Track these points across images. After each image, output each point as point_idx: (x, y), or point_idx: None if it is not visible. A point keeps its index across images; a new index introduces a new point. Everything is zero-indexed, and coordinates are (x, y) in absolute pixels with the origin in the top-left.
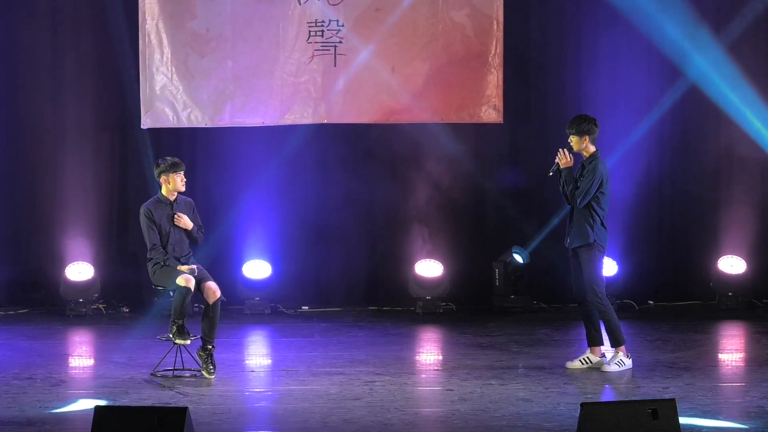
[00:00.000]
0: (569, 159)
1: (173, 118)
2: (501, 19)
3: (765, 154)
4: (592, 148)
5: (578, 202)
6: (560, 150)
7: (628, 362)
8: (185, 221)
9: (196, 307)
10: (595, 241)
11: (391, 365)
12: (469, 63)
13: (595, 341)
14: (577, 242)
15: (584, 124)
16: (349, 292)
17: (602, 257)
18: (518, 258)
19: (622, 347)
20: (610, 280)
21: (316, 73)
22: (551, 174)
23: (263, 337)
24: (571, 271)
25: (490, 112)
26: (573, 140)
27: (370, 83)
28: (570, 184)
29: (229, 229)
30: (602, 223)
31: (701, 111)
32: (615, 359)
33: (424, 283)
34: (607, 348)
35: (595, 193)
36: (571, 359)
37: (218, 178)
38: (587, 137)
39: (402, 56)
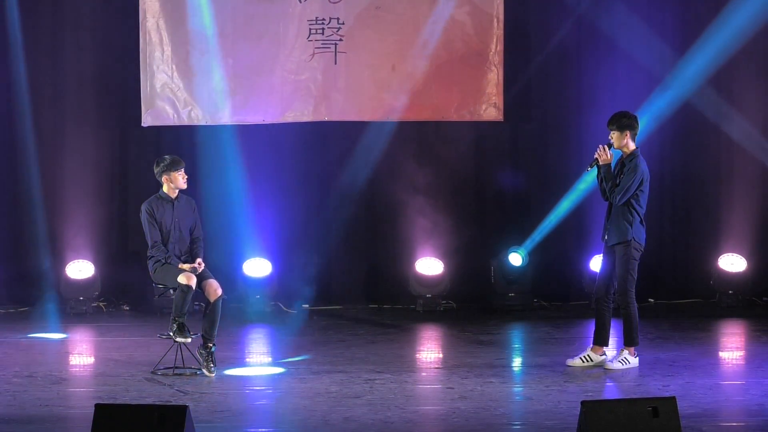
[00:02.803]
0: (609, 155)
1: (174, 116)
2: (501, 16)
3: (765, 153)
4: (632, 145)
5: (617, 199)
6: (600, 146)
7: (634, 361)
8: (195, 265)
9: (196, 305)
10: (633, 238)
11: (391, 363)
12: (469, 61)
13: (600, 341)
14: (615, 239)
15: (625, 120)
16: (349, 290)
17: (638, 255)
18: (514, 260)
19: (632, 348)
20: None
21: (316, 71)
22: (589, 170)
23: (264, 335)
24: (602, 267)
25: (491, 110)
26: (614, 136)
27: (371, 81)
28: (609, 180)
29: (229, 227)
30: (641, 221)
31: (702, 109)
32: (620, 357)
33: (424, 280)
34: (609, 349)
35: (635, 191)
36: (572, 357)
37: (219, 176)
38: (628, 133)
39: (402, 54)
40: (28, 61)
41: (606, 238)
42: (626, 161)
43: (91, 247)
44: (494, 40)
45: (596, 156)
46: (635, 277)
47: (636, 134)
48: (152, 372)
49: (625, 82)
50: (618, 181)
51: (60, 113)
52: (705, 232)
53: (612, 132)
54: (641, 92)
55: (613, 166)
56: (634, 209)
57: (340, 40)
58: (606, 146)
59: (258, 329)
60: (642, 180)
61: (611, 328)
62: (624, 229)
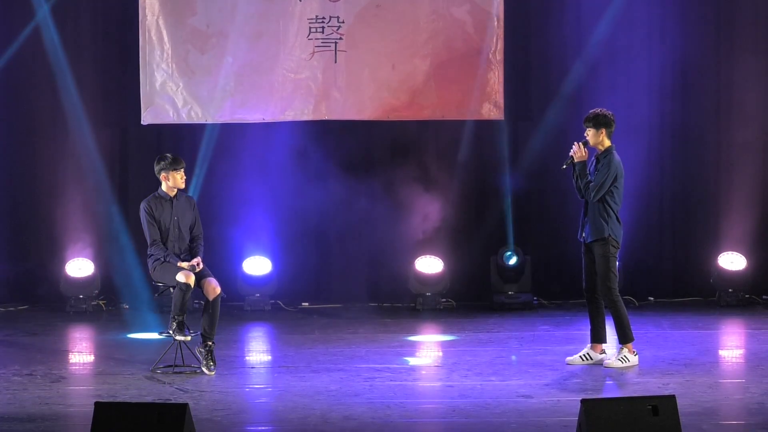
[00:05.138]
0: (584, 153)
1: (173, 115)
2: (501, 15)
3: (765, 150)
4: (607, 143)
5: (592, 195)
6: (575, 143)
7: (634, 359)
8: (193, 263)
9: (196, 303)
10: (609, 235)
11: (391, 362)
12: (469, 59)
13: (598, 338)
14: (592, 236)
15: (602, 118)
16: (349, 289)
17: (616, 252)
18: (510, 260)
19: (630, 344)
20: None
21: (316, 70)
22: (565, 167)
23: (263, 333)
24: (584, 266)
25: (491, 109)
26: (589, 133)
27: (371, 80)
28: (584, 177)
29: (229, 225)
30: (617, 218)
31: (702, 107)
32: (619, 355)
33: (424, 279)
34: (608, 345)
35: (609, 187)
36: (572, 355)
37: (218, 174)
38: (604, 131)
39: (402, 53)
40: (26, 60)
41: (583, 235)
42: (600, 158)
43: (90, 246)
44: (494, 38)
45: (571, 153)
46: (616, 274)
47: (612, 132)
48: (152, 370)
49: (625, 81)
50: (593, 178)
51: (60, 111)
52: (705, 231)
53: (588, 129)
54: (641, 90)
55: (589, 164)
56: (610, 206)
57: (340, 38)
58: (581, 143)
59: (257, 327)
60: (616, 176)
61: (607, 325)
62: (600, 226)
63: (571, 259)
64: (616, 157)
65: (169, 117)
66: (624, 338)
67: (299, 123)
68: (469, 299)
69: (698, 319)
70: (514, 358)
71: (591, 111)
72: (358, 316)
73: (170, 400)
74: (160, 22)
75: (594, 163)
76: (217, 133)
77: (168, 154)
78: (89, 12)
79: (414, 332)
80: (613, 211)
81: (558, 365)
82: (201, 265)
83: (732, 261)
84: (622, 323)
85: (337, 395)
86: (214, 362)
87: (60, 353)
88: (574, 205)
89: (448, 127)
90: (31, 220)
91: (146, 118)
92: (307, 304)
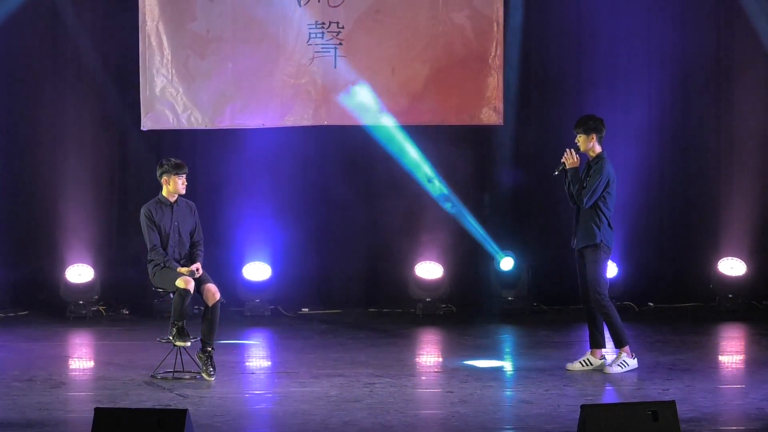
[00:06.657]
0: (576, 159)
1: (173, 120)
2: (501, 20)
3: (765, 156)
4: (598, 148)
5: (584, 201)
6: (567, 150)
7: (633, 363)
8: (192, 269)
9: (195, 309)
10: (601, 241)
11: (391, 367)
12: (469, 64)
13: (597, 343)
14: (584, 242)
15: (592, 123)
16: (349, 294)
17: (607, 258)
18: (505, 265)
19: (626, 348)
20: (611, 282)
21: (316, 75)
22: (557, 173)
23: (263, 339)
24: (578, 272)
25: (490, 114)
26: (580, 139)
27: (371, 85)
28: (576, 183)
29: (229, 230)
30: (609, 224)
31: (701, 113)
32: (618, 360)
33: (424, 284)
34: (607, 350)
35: (602, 193)
36: (572, 361)
37: (218, 179)
38: (594, 136)
39: (402, 58)
40: (27, 64)
41: (575, 242)
42: (592, 164)
43: (90, 251)
44: (494, 43)
45: (563, 160)
46: (607, 280)
47: (602, 137)
48: (152, 376)
49: (624, 87)
50: (585, 184)
51: (59, 117)
52: (704, 236)
53: (578, 135)
54: (640, 95)
55: (580, 170)
56: (602, 212)
57: (340, 44)
58: (573, 150)
59: (257, 333)
60: (608, 182)
61: (605, 331)
62: (592, 232)
63: (571, 264)
64: (609, 163)
65: (169, 122)
66: (619, 343)
67: (299, 128)
68: (468, 304)
69: (698, 324)
70: (518, 367)
71: (581, 117)
72: (357, 322)
73: (170, 405)
74: (160, 27)
75: (585, 170)
76: (217, 139)
77: (171, 159)
78: (89, 17)
79: (414, 338)
80: (606, 217)
81: (558, 371)
82: (200, 271)
83: (732, 266)
84: (616, 328)
85: (337, 401)
86: (213, 368)
87: (60, 359)
88: (573, 210)
89: (447, 132)
90: (31, 225)
91: (146, 124)
92: (306, 309)
